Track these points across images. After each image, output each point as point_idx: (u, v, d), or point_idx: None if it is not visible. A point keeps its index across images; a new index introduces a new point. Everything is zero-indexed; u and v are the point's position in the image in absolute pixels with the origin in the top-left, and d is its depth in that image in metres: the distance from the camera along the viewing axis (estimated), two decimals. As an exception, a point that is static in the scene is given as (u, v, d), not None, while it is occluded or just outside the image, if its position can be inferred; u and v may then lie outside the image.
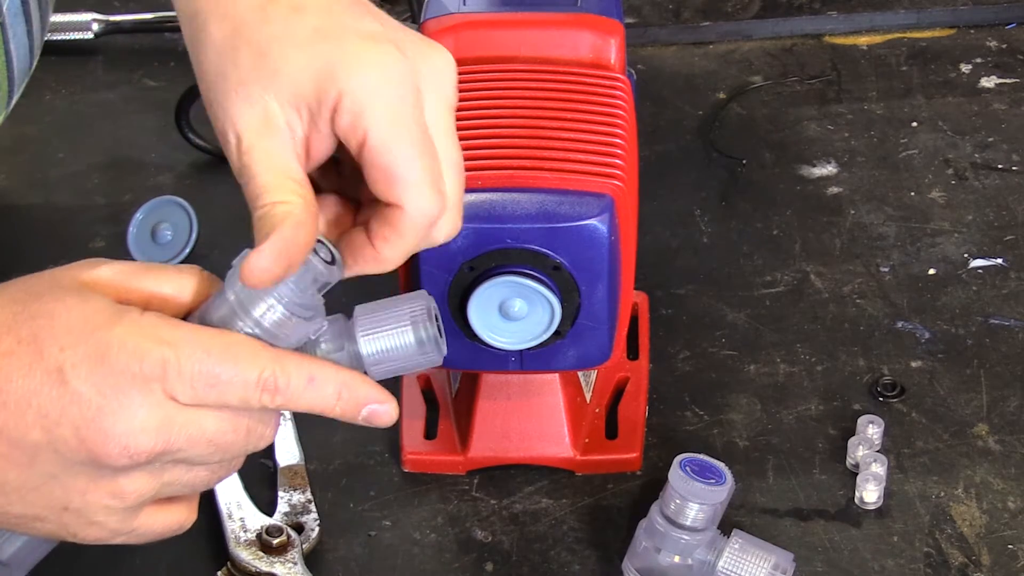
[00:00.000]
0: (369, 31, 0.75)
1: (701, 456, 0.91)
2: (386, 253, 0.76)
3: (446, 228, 0.77)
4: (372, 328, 0.74)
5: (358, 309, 0.75)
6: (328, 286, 0.74)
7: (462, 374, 1.00)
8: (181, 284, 0.74)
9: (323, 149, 0.76)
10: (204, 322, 0.73)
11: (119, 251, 1.14)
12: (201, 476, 0.74)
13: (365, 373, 0.75)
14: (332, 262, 0.74)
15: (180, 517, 0.76)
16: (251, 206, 0.74)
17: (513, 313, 0.87)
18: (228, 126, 0.75)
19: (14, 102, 1.02)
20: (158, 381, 0.70)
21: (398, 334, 0.74)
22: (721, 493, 0.89)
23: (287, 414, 1.01)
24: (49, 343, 0.70)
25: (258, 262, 0.70)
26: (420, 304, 0.75)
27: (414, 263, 0.86)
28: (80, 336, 0.70)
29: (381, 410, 0.74)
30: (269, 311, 0.72)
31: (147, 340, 0.70)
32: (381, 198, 0.75)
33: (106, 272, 0.74)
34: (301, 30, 0.75)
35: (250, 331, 0.72)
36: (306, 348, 0.74)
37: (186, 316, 0.74)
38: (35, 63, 1.03)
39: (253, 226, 0.73)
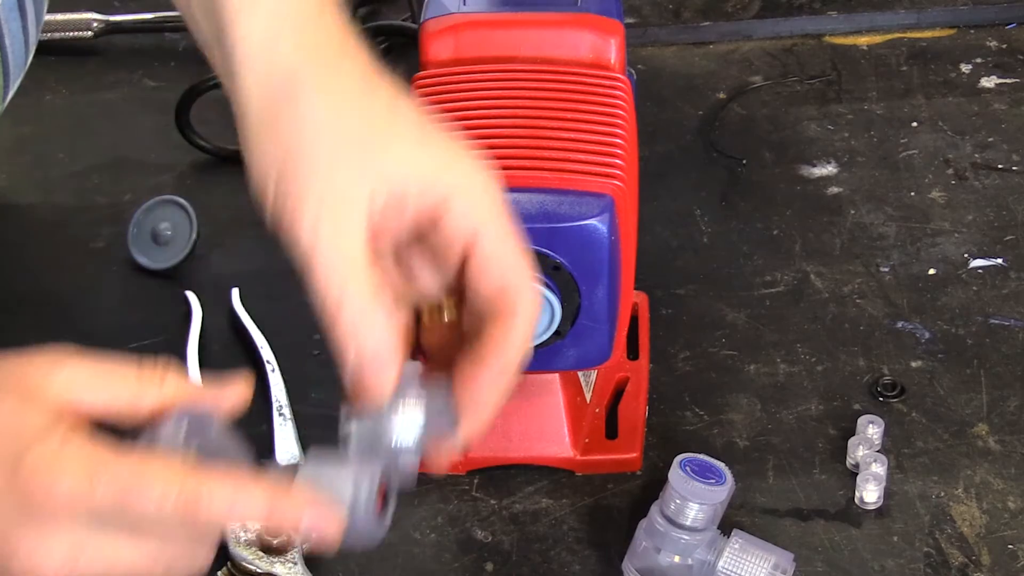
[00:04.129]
0: (459, 142, 0.75)
1: (701, 456, 0.91)
2: (506, 358, 0.73)
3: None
4: (312, 479, 0.71)
5: (310, 452, 0.73)
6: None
7: (462, 374, 1.00)
8: (141, 393, 0.72)
9: (384, 244, 0.75)
10: (152, 441, 0.71)
11: (119, 251, 1.15)
12: None
13: None
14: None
15: None
16: (330, 310, 0.72)
17: (513, 313, 0.87)
18: (307, 206, 0.72)
19: (9, 98, 1.02)
20: (67, 508, 0.68)
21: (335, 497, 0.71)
22: (721, 493, 0.89)
23: (287, 413, 1.01)
24: None
25: (384, 393, 0.72)
26: (368, 472, 0.71)
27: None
28: (1, 450, 0.69)
29: (321, 522, 0.70)
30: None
31: (61, 465, 0.68)
32: (485, 298, 0.74)
33: (64, 376, 0.72)
34: (406, 125, 0.74)
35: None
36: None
37: (143, 427, 0.72)
38: (30, 59, 1.03)
39: (337, 336, 0.72)
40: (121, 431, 0.73)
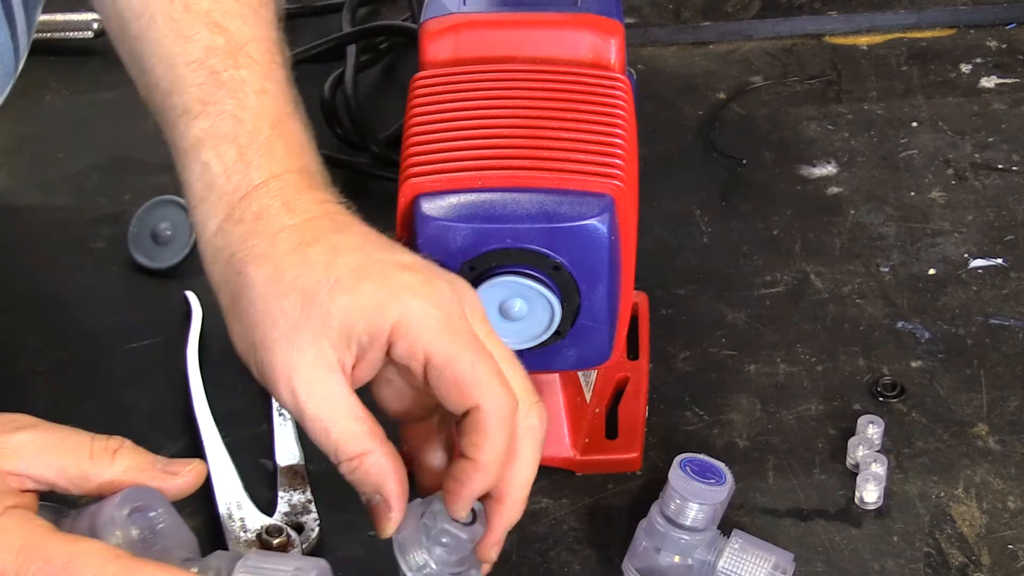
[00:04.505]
0: (404, 262, 0.79)
1: (701, 456, 0.91)
2: (484, 458, 0.77)
3: (533, 417, 0.79)
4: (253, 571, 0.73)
5: (249, 553, 0.74)
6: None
7: (462, 374, 1.00)
8: (91, 469, 0.73)
9: (366, 375, 0.78)
10: (92, 524, 0.72)
11: (119, 251, 1.14)
12: None
13: None
14: (472, 521, 0.78)
15: None
16: (332, 457, 0.77)
17: (513, 313, 0.87)
18: (279, 374, 0.77)
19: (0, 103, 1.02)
20: None
21: None
22: (721, 493, 0.89)
23: (286, 413, 1.01)
24: None
25: (391, 525, 0.78)
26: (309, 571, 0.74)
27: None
28: None
29: None
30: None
31: None
32: (456, 408, 0.77)
33: (14, 443, 0.73)
34: (343, 271, 0.77)
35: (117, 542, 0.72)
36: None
37: (85, 499, 0.73)
38: (20, 66, 1.02)
39: (346, 477, 0.77)
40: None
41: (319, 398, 0.76)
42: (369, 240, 0.80)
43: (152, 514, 0.73)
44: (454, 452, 0.81)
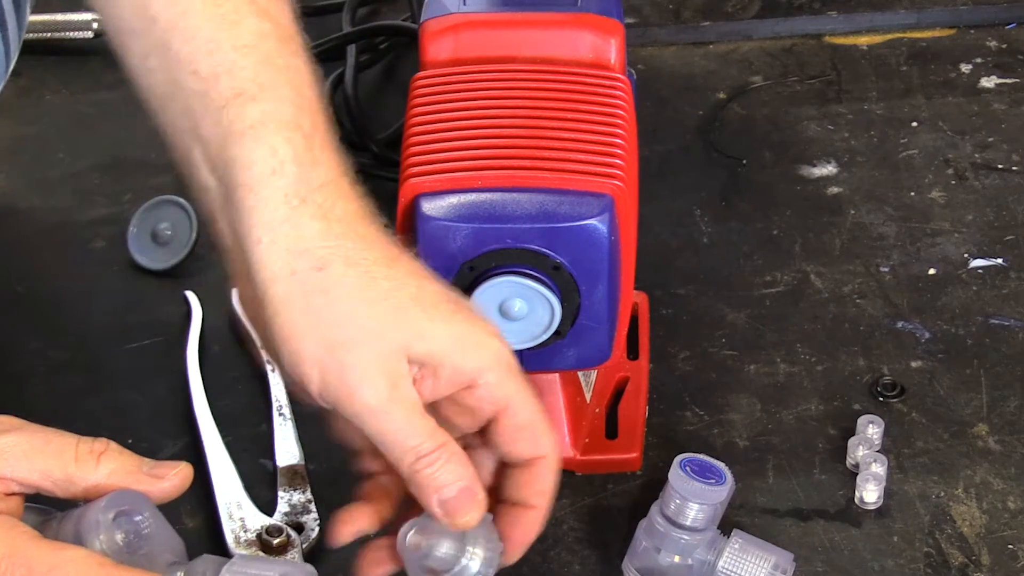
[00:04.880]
0: (477, 316, 0.80)
1: (701, 456, 0.91)
2: (549, 503, 0.80)
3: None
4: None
5: (235, 557, 0.74)
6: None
7: (462, 374, 1.00)
8: (76, 472, 0.73)
9: (424, 397, 0.78)
10: (77, 529, 0.72)
11: (119, 251, 1.14)
12: None
13: None
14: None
15: None
16: (411, 455, 0.76)
17: (513, 313, 0.87)
18: (360, 373, 0.76)
19: None
20: None
21: None
22: (721, 493, 0.89)
23: (287, 413, 1.01)
24: None
25: (481, 509, 0.77)
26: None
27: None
28: None
29: None
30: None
31: None
32: (520, 455, 0.80)
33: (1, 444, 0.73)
34: (437, 300, 0.78)
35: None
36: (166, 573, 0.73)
37: (71, 502, 0.73)
38: (11, 68, 1.02)
39: (421, 474, 0.76)
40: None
41: (401, 399, 0.76)
42: (438, 282, 0.81)
43: (137, 518, 0.73)
44: (499, 498, 0.82)
